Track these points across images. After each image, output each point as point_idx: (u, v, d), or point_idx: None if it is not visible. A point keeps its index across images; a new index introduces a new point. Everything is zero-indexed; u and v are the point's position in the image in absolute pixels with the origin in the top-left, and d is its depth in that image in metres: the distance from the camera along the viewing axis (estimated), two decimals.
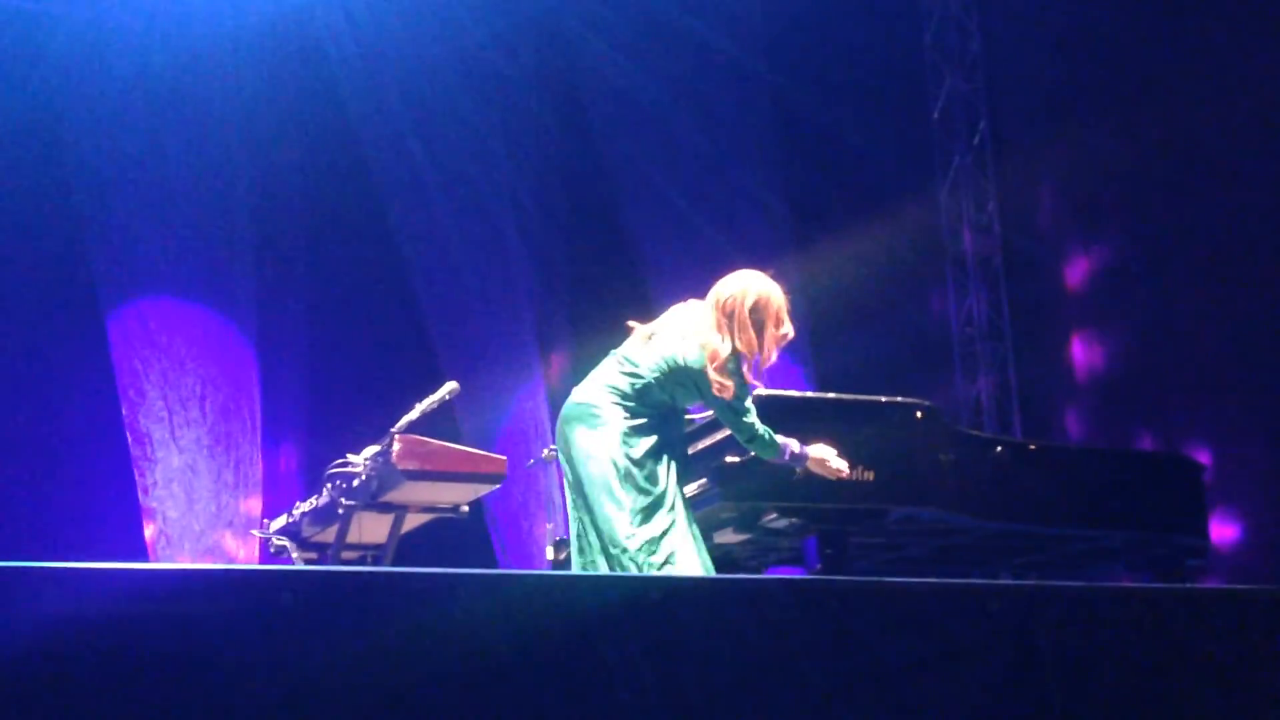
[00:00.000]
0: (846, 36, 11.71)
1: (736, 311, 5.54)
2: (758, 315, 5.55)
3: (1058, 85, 10.65)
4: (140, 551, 8.99)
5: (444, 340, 10.11)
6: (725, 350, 5.48)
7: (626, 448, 5.46)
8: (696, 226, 10.86)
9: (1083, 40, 10.43)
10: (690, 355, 5.52)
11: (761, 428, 5.56)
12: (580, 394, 5.61)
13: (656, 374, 5.55)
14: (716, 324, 5.54)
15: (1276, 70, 9.10)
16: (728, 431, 6.20)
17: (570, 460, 5.54)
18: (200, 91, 9.85)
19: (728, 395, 5.46)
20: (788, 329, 5.63)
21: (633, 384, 5.55)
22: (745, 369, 5.55)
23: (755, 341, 5.53)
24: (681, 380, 5.54)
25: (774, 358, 5.63)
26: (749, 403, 5.56)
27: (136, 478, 9.17)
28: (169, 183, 9.66)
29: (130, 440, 9.23)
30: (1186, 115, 9.60)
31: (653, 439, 5.50)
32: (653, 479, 5.45)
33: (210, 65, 9.89)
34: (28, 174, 9.75)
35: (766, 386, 5.96)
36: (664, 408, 5.58)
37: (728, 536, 6.53)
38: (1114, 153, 10.10)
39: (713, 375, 5.46)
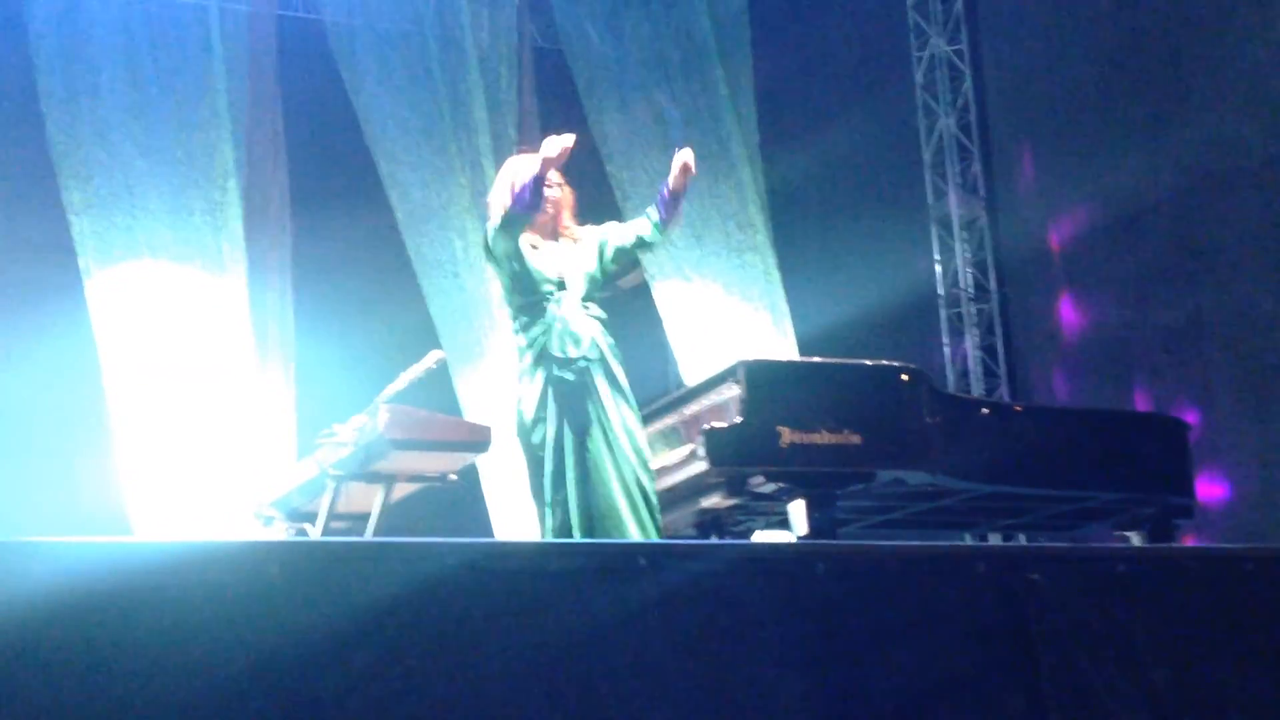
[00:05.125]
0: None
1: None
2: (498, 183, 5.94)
3: (1042, 44, 10.62)
4: (123, 525, 8.94)
5: (435, 306, 10.09)
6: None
7: None
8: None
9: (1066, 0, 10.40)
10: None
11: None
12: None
13: None
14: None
15: (1257, 33, 9.07)
16: (714, 397, 6.26)
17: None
18: (184, 52, 9.78)
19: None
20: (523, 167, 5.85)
21: None
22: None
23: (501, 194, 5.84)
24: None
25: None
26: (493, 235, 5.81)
27: (119, 449, 9.11)
28: (152, 146, 9.58)
29: (112, 410, 9.17)
30: (1173, 66, 9.58)
31: None
32: None
33: (194, 26, 9.82)
34: (4, 140, 9.68)
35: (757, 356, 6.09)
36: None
37: (715, 501, 6.54)
38: (1099, 110, 10.08)
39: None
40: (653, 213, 5.92)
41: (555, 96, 11.05)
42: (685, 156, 5.84)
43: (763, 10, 11.50)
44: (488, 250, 5.89)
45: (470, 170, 10.29)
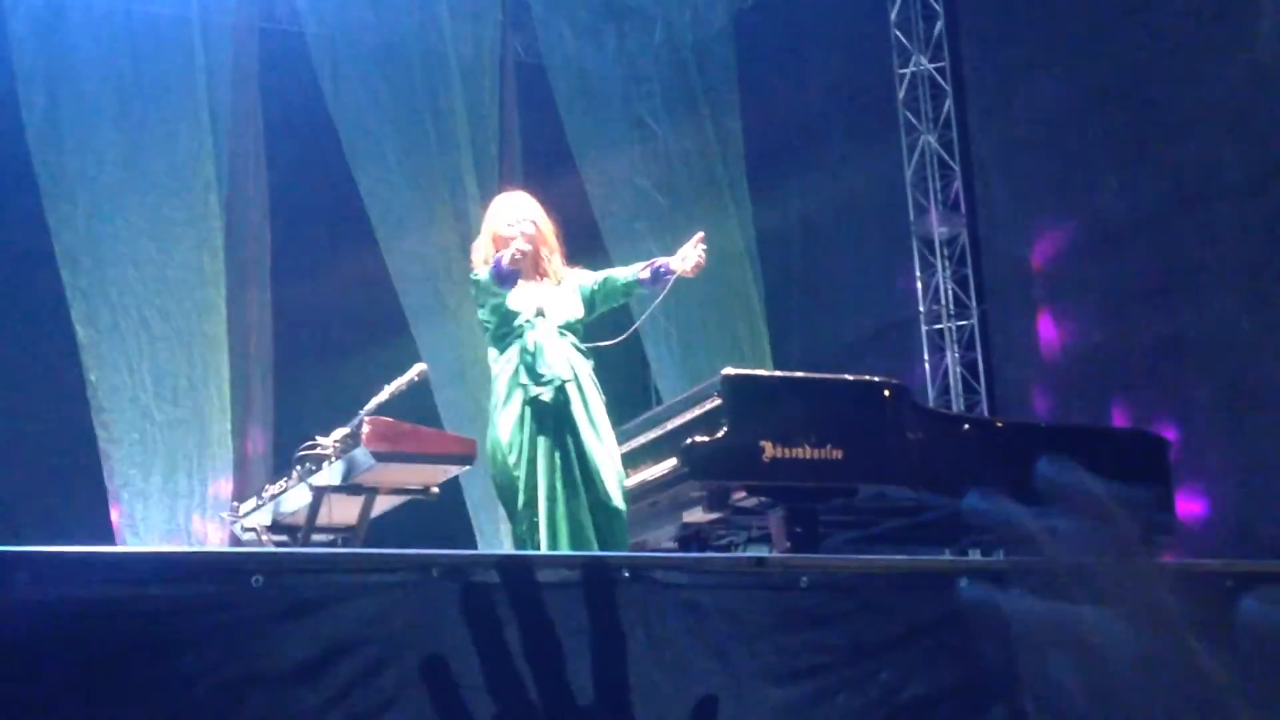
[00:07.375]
0: (810, 15, 11.72)
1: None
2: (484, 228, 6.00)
3: (1023, 63, 10.67)
4: (106, 535, 8.93)
5: (416, 321, 10.09)
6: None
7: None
8: (659, 209, 10.86)
9: (1047, 19, 10.45)
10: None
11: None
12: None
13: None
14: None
15: (1236, 53, 9.13)
16: (696, 411, 6.26)
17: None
18: (167, 64, 9.78)
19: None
20: (500, 229, 5.89)
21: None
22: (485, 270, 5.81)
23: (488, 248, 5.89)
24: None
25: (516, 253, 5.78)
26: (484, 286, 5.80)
27: (103, 460, 9.10)
28: (134, 158, 9.59)
29: (96, 422, 9.16)
30: (1153, 85, 9.63)
31: None
32: None
33: (177, 38, 9.83)
34: None
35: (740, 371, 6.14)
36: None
37: (697, 515, 6.55)
38: (1080, 128, 10.13)
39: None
40: (632, 272, 6.00)
41: (537, 111, 11.08)
42: (698, 255, 5.88)
43: (746, 27, 11.55)
44: (477, 293, 5.91)
45: (451, 185, 10.30)
